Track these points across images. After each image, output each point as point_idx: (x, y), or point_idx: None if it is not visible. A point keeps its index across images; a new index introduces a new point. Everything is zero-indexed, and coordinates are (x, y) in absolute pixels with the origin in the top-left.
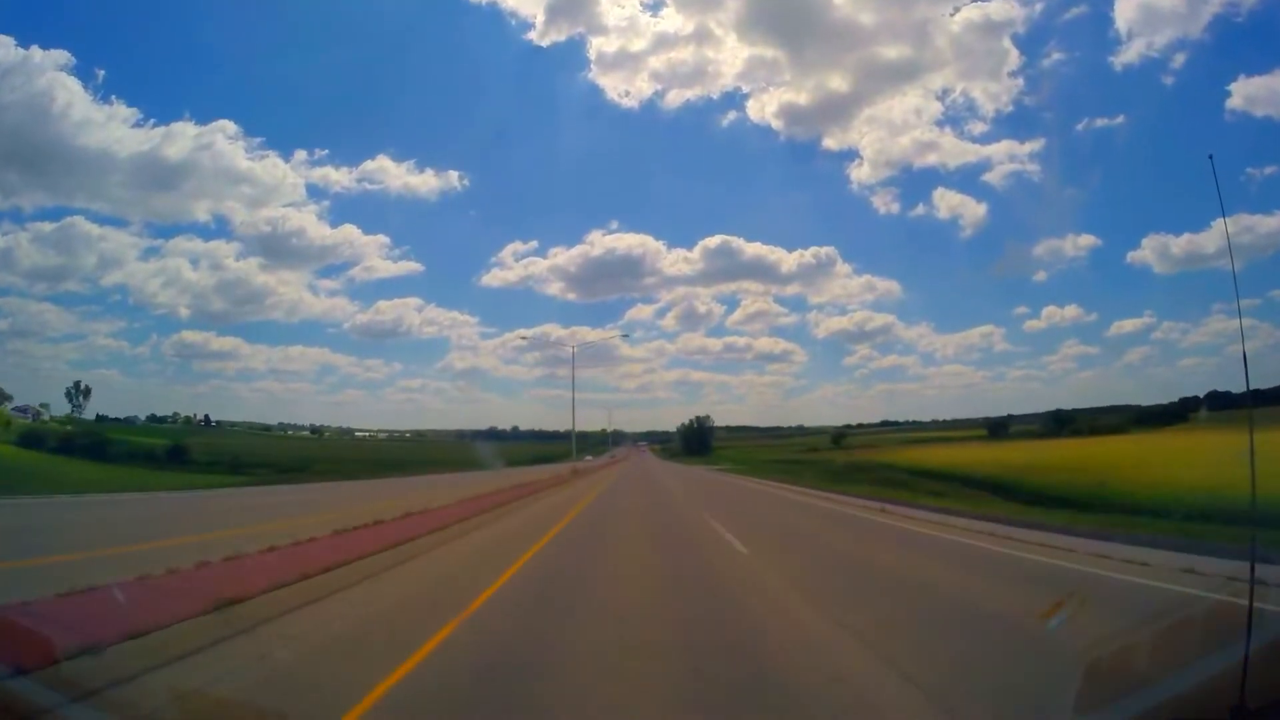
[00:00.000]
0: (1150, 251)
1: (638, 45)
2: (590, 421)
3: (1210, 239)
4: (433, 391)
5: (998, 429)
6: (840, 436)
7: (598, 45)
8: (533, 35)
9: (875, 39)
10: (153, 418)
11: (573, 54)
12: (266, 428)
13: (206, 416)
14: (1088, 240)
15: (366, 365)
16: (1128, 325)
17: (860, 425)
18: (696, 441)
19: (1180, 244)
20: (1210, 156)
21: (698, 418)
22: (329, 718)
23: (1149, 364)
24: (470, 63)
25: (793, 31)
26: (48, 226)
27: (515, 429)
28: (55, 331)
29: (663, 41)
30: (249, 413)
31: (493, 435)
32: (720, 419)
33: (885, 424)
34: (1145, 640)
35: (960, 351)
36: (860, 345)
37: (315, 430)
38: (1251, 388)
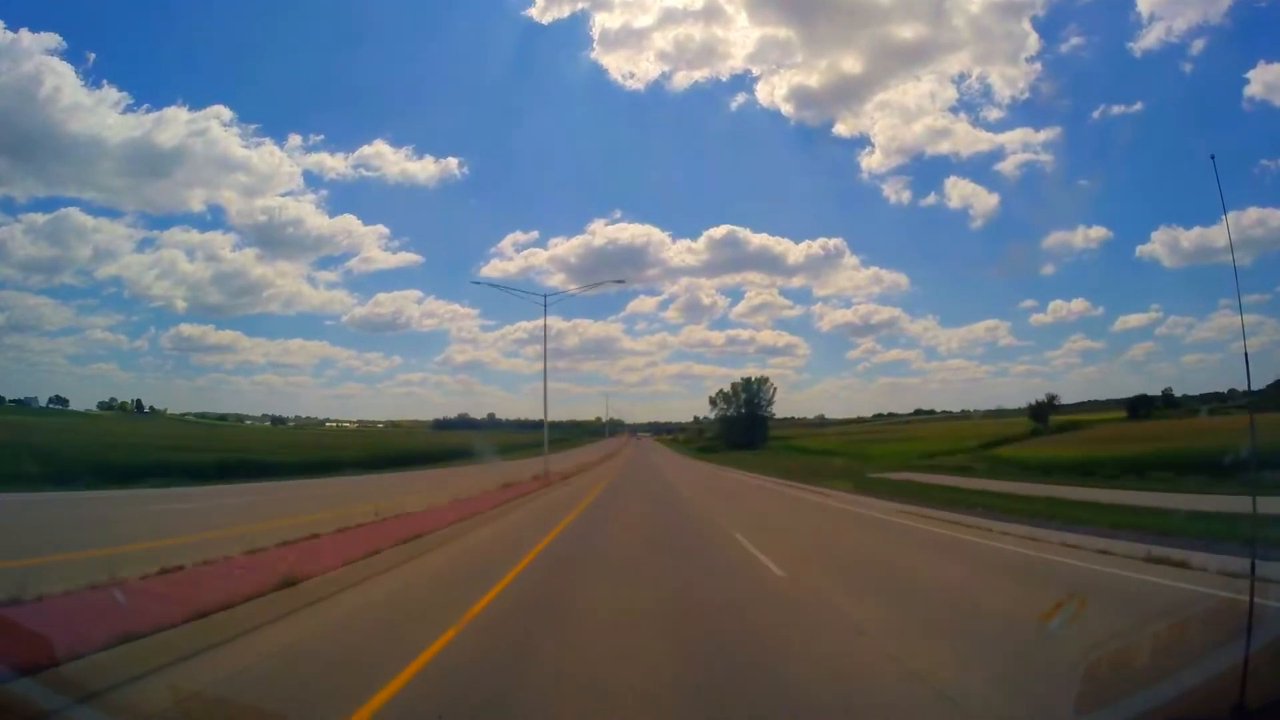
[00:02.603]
0: (1160, 245)
1: (643, 22)
2: (586, 412)
3: (1221, 233)
4: (432, 385)
5: (1138, 408)
6: (1044, 411)
7: (601, 22)
8: (533, 12)
9: (891, 18)
10: (56, 399)
11: (575, 31)
12: (223, 417)
13: (139, 401)
14: (1099, 232)
15: (366, 359)
16: (1133, 320)
17: (889, 415)
18: (744, 429)
19: (1190, 237)
20: (1212, 157)
21: (746, 382)
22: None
23: (1152, 359)
24: (468, 41)
25: (806, 9)
26: (41, 218)
27: (491, 416)
28: (52, 325)
29: (669, 18)
30: (248, 406)
31: (466, 424)
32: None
33: (919, 413)
34: (1145, 639)
35: (965, 346)
36: (864, 339)
37: (277, 420)
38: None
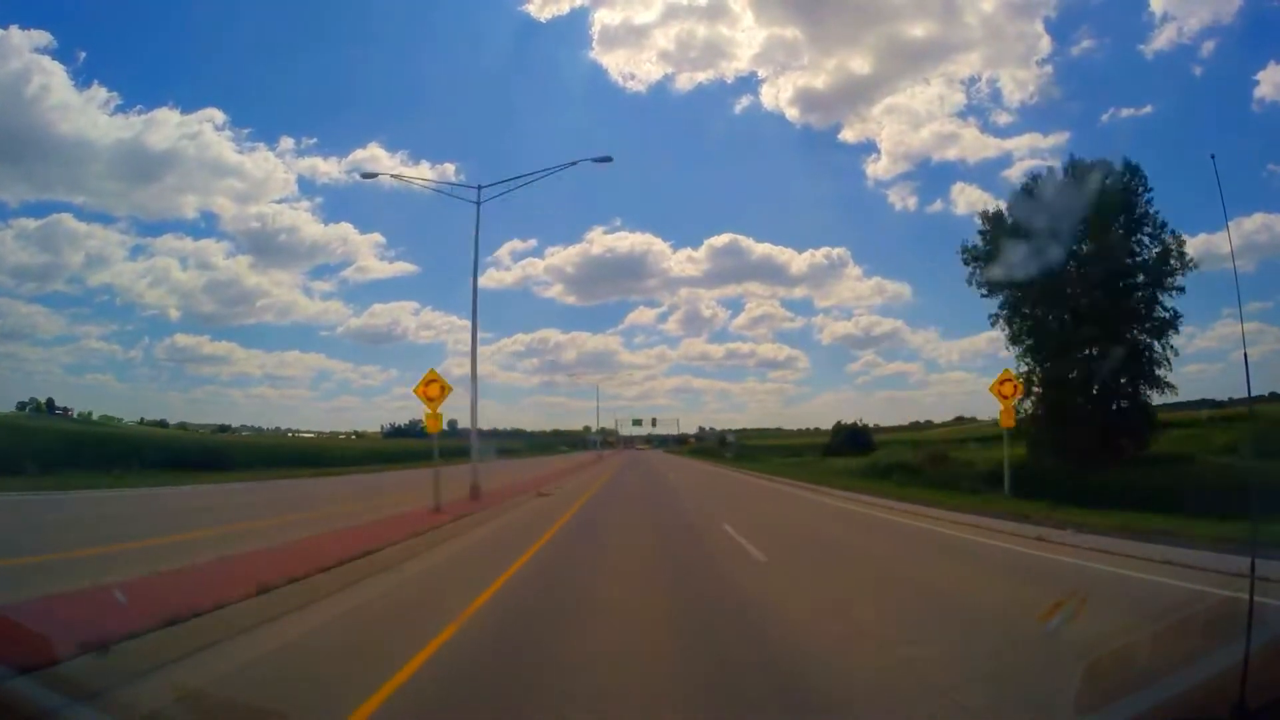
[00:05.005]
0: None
1: (645, 18)
2: (583, 426)
3: (1223, 239)
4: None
5: None
6: None
7: (601, 19)
8: (531, 8)
9: (901, 15)
10: None
11: (574, 28)
12: (163, 423)
13: (50, 400)
14: None
15: (363, 371)
16: None
17: (926, 422)
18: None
19: (1194, 244)
20: (1212, 156)
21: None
22: None
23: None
24: (463, 37)
25: (814, 6)
26: (32, 223)
27: (454, 424)
28: (45, 334)
29: (672, 14)
30: (244, 420)
31: (418, 433)
32: (721, 424)
33: (960, 419)
34: (1146, 638)
35: (965, 358)
36: (865, 351)
37: (223, 428)
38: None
